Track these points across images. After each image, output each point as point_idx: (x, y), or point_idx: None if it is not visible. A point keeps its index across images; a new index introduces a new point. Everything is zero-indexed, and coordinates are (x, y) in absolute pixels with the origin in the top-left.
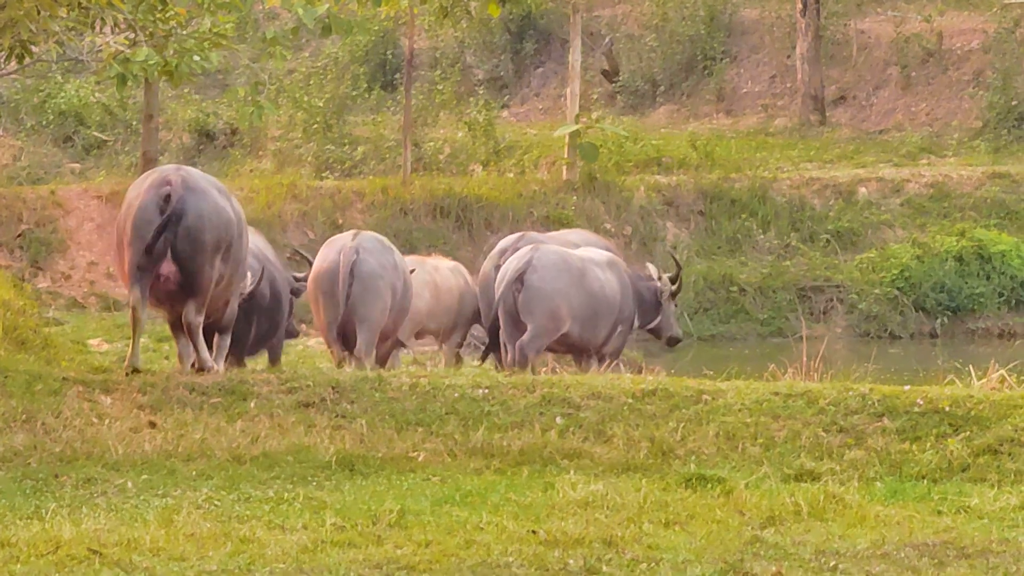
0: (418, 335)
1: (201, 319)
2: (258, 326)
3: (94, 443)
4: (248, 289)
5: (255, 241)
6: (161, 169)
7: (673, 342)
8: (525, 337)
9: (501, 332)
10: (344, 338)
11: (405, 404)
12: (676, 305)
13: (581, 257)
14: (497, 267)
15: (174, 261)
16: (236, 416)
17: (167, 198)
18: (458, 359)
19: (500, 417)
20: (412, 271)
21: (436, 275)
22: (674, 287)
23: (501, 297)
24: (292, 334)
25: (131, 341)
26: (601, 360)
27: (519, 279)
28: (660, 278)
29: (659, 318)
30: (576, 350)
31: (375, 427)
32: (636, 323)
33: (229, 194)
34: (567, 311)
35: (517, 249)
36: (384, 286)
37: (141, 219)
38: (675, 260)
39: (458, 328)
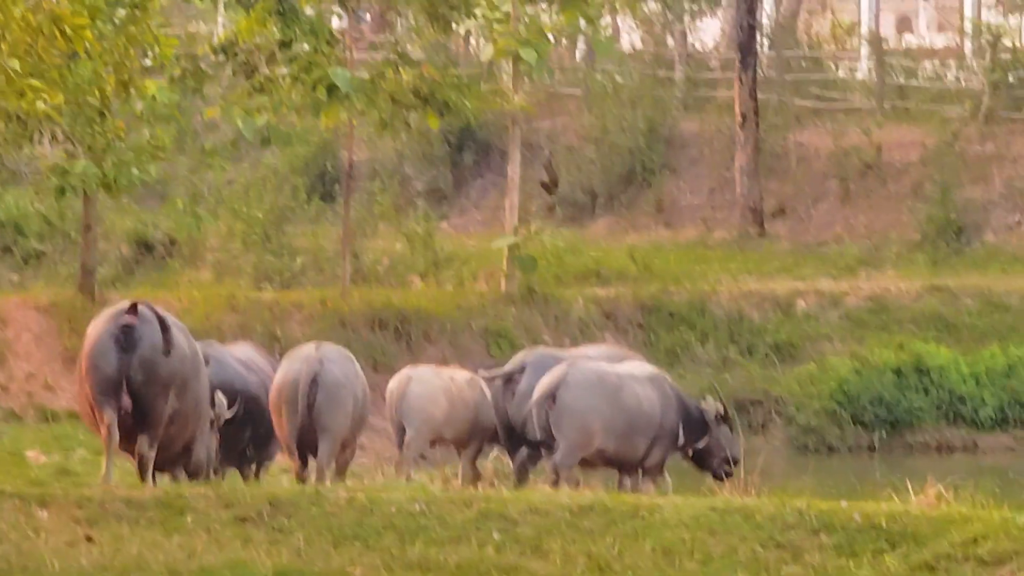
0: (433, 443)
1: (153, 453)
2: (254, 432)
3: (30, 557)
4: (227, 416)
5: (245, 352)
6: (120, 304)
7: (724, 470)
8: (557, 455)
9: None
10: (303, 448)
11: (342, 518)
12: (732, 430)
13: (618, 373)
14: (508, 380)
15: (129, 393)
16: (173, 530)
17: (124, 329)
18: (476, 473)
19: (437, 531)
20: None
21: (452, 384)
22: (722, 410)
23: (535, 413)
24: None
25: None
26: (647, 474)
27: (551, 396)
28: (705, 398)
29: (707, 438)
30: (614, 465)
31: (312, 541)
32: (681, 439)
33: (186, 331)
34: (600, 426)
35: (525, 365)
36: (347, 395)
37: (98, 351)
38: (720, 399)
39: (474, 440)
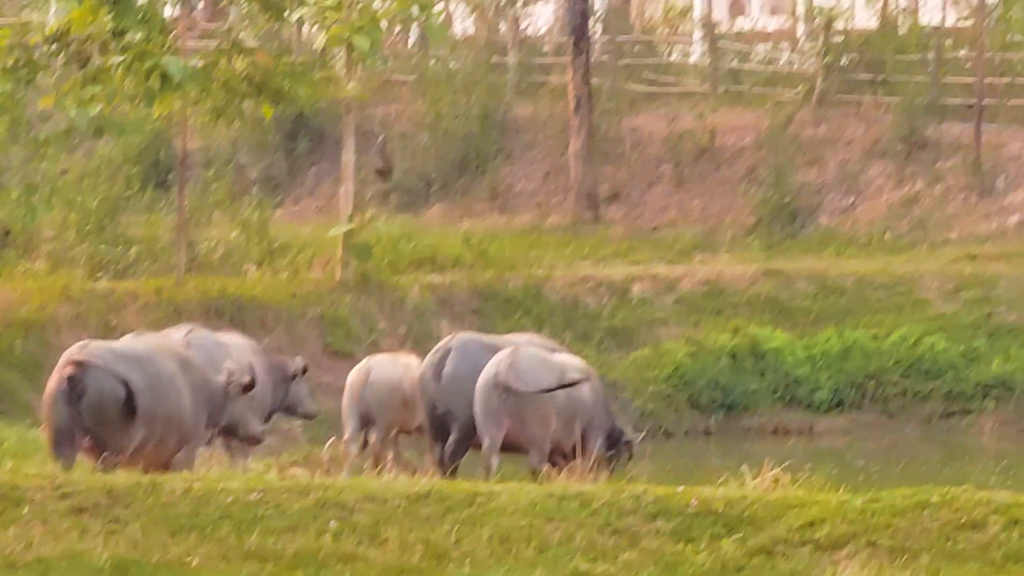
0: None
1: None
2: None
3: None
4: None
5: (237, 342)
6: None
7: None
8: (532, 457)
9: (479, 426)
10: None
11: (179, 508)
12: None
13: (558, 359)
14: (433, 365)
15: (86, 434)
16: (9, 522)
17: (69, 380)
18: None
19: (274, 521)
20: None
21: (407, 372)
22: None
23: (482, 400)
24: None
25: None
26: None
27: (503, 384)
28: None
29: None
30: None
31: (149, 532)
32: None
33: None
34: (552, 411)
35: (450, 349)
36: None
37: (49, 403)
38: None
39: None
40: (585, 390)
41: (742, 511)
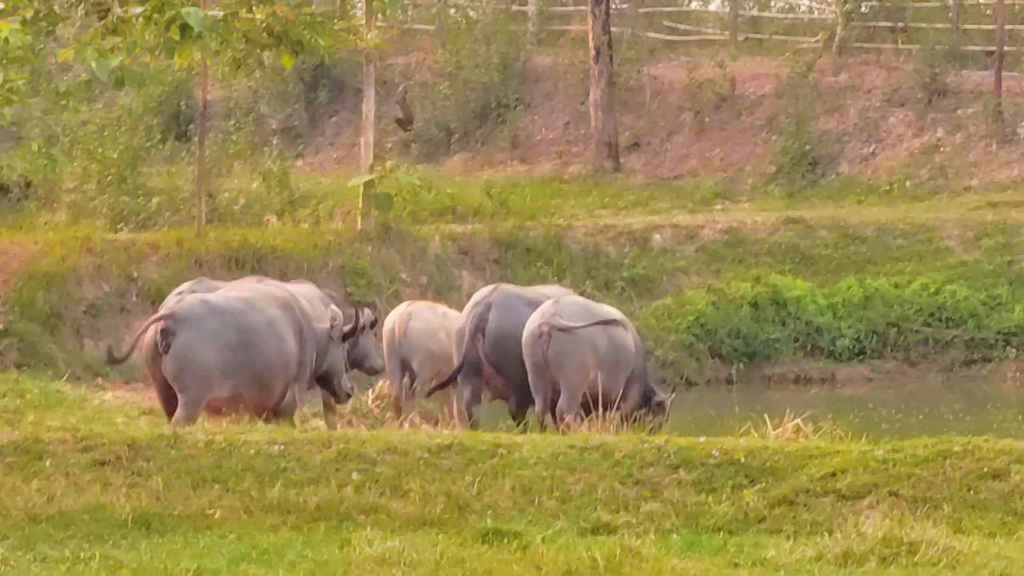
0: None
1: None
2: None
3: None
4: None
5: (310, 292)
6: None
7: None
8: (562, 401)
9: (530, 383)
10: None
11: (201, 461)
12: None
13: (601, 308)
14: (475, 317)
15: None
16: (32, 475)
17: (162, 333)
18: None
19: (296, 473)
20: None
21: (446, 320)
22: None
23: (529, 351)
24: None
25: None
26: (624, 417)
27: (547, 332)
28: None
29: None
30: (596, 403)
31: (171, 485)
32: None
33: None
34: (594, 360)
35: (491, 302)
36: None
37: (147, 357)
38: None
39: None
40: (629, 339)
41: (764, 461)
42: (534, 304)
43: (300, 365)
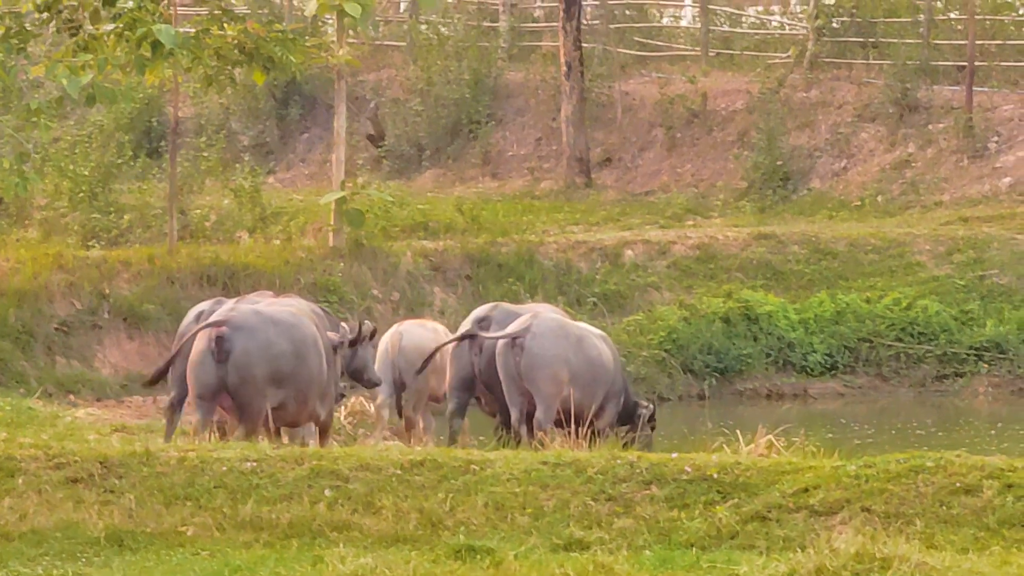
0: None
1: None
2: None
3: None
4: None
5: (301, 305)
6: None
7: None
8: (538, 413)
9: (505, 396)
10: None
11: (173, 478)
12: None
13: (578, 325)
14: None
15: (229, 395)
16: (4, 493)
17: (218, 341)
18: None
19: (269, 490)
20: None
21: (437, 337)
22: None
23: (502, 363)
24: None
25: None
26: (596, 433)
27: (519, 345)
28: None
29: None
30: (570, 418)
31: (144, 502)
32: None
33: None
34: (567, 374)
35: (492, 319)
36: None
37: (196, 362)
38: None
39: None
40: (606, 355)
41: (736, 477)
42: None
43: (328, 380)
